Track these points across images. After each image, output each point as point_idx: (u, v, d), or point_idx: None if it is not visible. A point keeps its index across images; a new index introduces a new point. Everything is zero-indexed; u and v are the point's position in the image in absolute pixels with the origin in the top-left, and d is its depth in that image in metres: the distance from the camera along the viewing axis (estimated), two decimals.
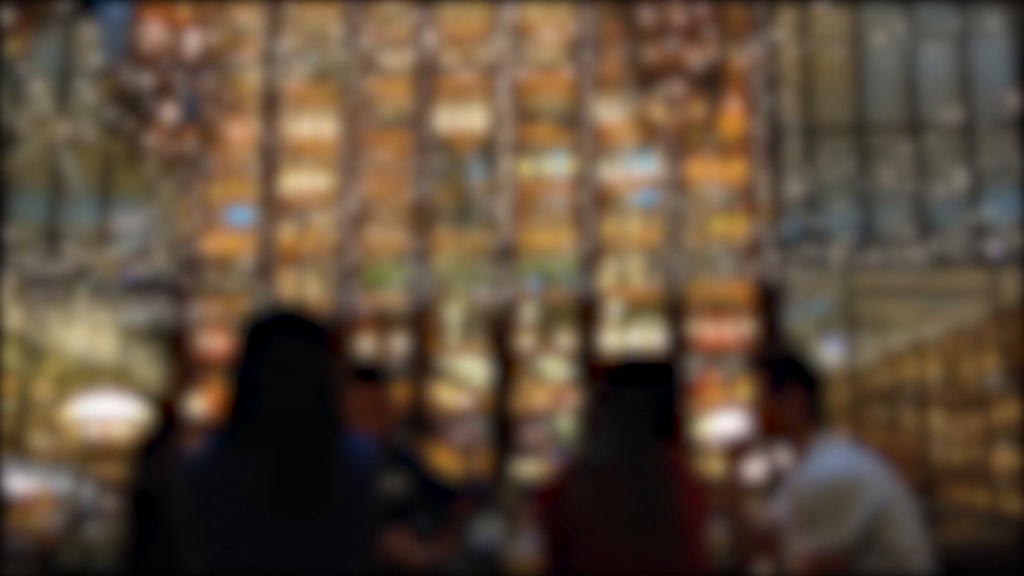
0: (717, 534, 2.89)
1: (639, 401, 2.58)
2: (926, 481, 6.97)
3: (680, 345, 6.22)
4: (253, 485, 1.90)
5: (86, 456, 6.31)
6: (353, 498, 1.97)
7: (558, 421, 6.27)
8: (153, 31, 6.74)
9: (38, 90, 6.39)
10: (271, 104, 6.75)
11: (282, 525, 1.90)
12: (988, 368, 6.97)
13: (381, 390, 3.39)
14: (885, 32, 6.54)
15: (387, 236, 6.57)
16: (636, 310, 6.46)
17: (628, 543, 2.40)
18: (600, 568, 2.41)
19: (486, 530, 4.78)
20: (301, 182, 6.76)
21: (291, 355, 2.01)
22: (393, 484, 3.21)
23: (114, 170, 7.11)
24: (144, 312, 6.77)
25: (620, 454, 2.49)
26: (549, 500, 2.53)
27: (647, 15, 6.42)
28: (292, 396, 1.98)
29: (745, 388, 5.76)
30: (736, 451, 2.66)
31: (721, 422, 5.60)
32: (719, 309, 6.34)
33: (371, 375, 3.42)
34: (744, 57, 6.49)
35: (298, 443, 1.95)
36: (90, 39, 6.69)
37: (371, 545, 2.04)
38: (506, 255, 6.39)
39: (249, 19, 6.87)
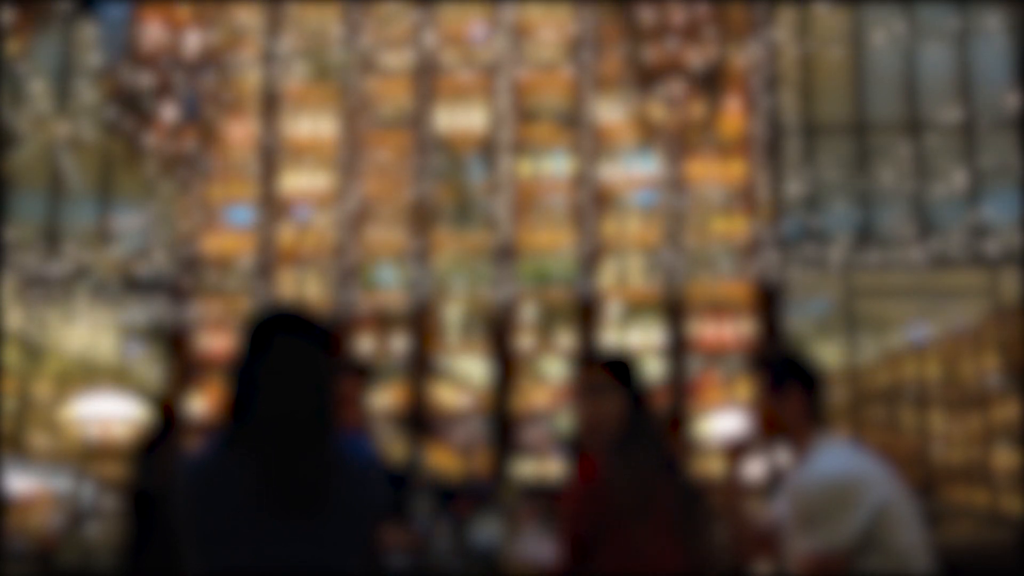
0: (717, 534, 2.89)
1: (646, 398, 2.58)
2: (926, 481, 6.96)
3: (680, 345, 6.22)
4: (252, 485, 1.90)
5: (86, 456, 6.30)
6: (352, 498, 1.97)
7: (558, 421, 6.27)
8: (153, 31, 6.74)
9: (38, 90, 6.39)
10: (271, 104, 6.76)
11: (281, 525, 1.90)
12: (988, 368, 6.97)
13: (358, 384, 3.44)
14: (885, 32, 6.54)
15: (387, 236, 6.57)
16: (636, 310, 6.46)
17: (670, 542, 2.39)
18: (636, 569, 2.40)
19: (486, 530, 4.78)
20: (301, 182, 6.76)
21: (291, 355, 2.01)
22: None
23: (114, 170, 7.11)
24: (144, 312, 6.77)
25: (654, 455, 2.48)
26: (574, 502, 2.52)
27: (647, 15, 6.42)
28: (292, 396, 1.98)
29: (745, 388, 5.76)
30: (736, 451, 2.66)
31: (721, 422, 5.60)
32: (719, 309, 6.34)
33: (349, 368, 3.47)
34: (744, 57, 6.49)
35: (297, 443, 1.95)
36: (90, 39, 6.69)
37: (370, 544, 2.04)
38: (506, 255, 6.39)
39: (249, 19, 6.87)
